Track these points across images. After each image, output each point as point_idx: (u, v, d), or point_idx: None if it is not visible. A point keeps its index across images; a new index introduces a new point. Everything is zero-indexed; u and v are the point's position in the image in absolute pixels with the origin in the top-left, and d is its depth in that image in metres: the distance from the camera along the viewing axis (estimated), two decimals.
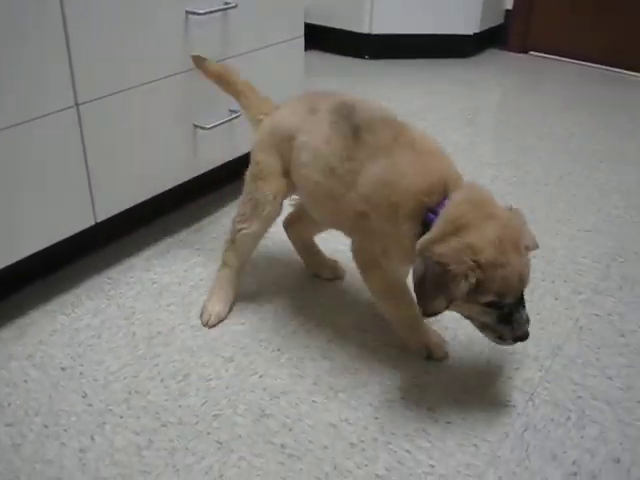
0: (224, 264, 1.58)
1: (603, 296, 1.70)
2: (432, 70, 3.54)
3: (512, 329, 1.21)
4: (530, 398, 1.37)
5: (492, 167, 2.41)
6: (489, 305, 1.18)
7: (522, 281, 1.18)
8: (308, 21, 3.69)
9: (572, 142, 2.64)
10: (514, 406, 1.35)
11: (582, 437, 1.29)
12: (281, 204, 1.52)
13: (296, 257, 1.75)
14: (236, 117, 1.84)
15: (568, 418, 1.33)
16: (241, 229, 1.51)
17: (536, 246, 1.25)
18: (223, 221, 1.95)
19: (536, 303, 1.65)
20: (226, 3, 1.72)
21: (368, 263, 1.39)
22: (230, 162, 1.95)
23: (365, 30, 3.54)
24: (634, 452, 1.26)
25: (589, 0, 3.61)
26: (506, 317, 1.20)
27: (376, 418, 1.31)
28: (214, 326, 1.55)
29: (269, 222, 1.52)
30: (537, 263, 1.79)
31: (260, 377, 1.40)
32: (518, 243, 1.17)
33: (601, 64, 3.68)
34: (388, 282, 1.39)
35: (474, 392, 1.38)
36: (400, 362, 1.45)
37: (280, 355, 1.46)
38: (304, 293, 1.68)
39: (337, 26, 3.64)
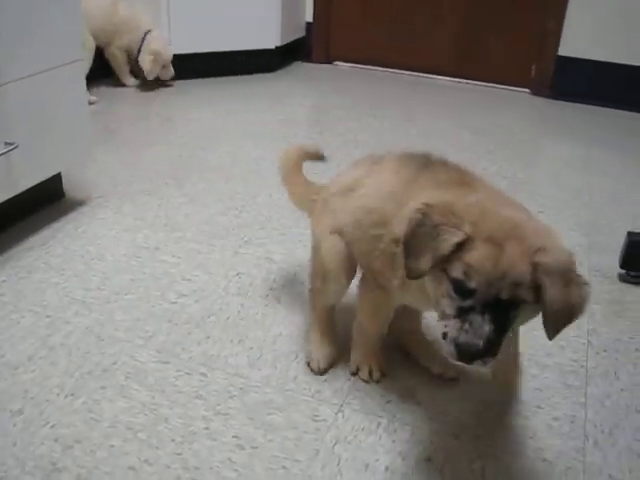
0: (313, 308, 1.52)
1: None
2: (236, 87, 3.51)
3: (459, 329, 1.02)
4: (339, 409, 1.35)
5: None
6: (455, 285, 1.04)
7: (501, 277, 1.00)
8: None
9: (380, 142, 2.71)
10: (323, 420, 1.32)
11: (394, 441, 1.28)
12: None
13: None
14: (12, 149, 1.69)
15: (379, 424, 1.32)
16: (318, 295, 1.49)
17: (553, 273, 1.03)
18: None
19: None
20: None
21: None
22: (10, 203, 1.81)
23: None
24: (445, 449, 1.27)
25: (383, 10, 3.78)
26: (464, 313, 1.02)
27: (178, 454, 1.23)
28: (326, 370, 1.46)
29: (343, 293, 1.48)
30: None
31: (52, 427, 1.27)
32: (527, 246, 1.02)
33: (400, 69, 3.90)
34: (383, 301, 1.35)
35: (281, 411, 1.34)
36: (203, 390, 1.38)
37: (73, 400, 1.34)
38: (102, 330, 1.56)
39: None
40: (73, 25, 1.89)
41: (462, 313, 1.02)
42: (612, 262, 1.90)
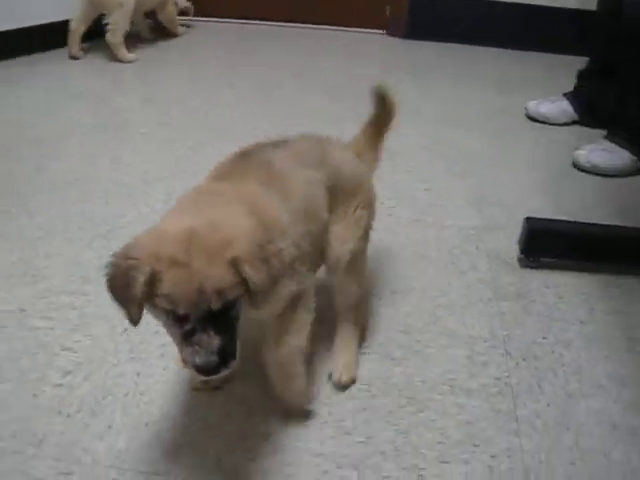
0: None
1: None
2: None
3: (192, 353, 1.02)
4: None
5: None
6: (168, 316, 1.03)
7: (201, 292, 0.99)
8: None
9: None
10: None
11: None
12: None
13: None
14: None
15: None
16: None
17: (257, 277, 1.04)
18: None
19: None
20: None
21: None
22: None
23: None
24: None
25: None
26: (189, 336, 1.02)
27: None
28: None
29: None
30: None
31: None
32: (213, 249, 1.00)
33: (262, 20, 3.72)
34: None
35: None
36: None
37: None
38: None
39: None
40: None
41: (187, 337, 1.03)
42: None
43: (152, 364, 1.48)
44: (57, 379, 1.44)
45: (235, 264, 1.01)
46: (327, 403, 1.40)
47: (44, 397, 1.39)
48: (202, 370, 1.03)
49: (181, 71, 3.34)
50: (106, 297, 1.05)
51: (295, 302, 1.26)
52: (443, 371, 1.48)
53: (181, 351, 1.05)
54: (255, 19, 3.72)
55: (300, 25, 3.65)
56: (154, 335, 1.55)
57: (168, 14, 3.48)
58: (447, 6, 3.29)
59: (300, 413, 1.37)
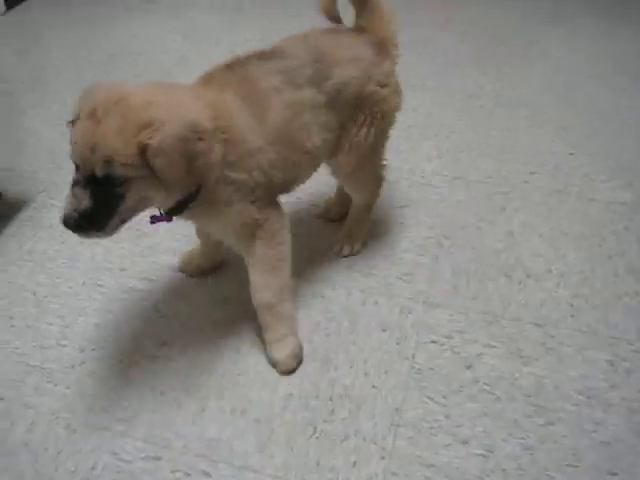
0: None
1: (436, 308, 1.42)
2: None
3: (65, 202, 1.05)
4: None
5: None
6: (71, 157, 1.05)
7: (92, 152, 1.00)
8: None
9: None
10: None
11: None
12: None
13: None
14: None
15: None
16: None
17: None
18: None
19: (361, 341, 1.34)
20: None
21: None
22: None
23: None
24: None
25: None
26: (74, 186, 1.05)
27: None
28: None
29: None
30: (351, 277, 1.47)
31: None
32: (130, 123, 1.00)
33: None
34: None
35: None
36: None
37: None
38: (72, 415, 1.26)
39: None
40: None
41: (73, 186, 1.05)
42: None
43: (253, 340, 1.36)
44: (152, 350, 1.34)
45: (143, 150, 1.00)
46: (443, 404, 1.23)
47: (138, 370, 1.31)
48: (64, 222, 1.04)
49: None
50: None
51: (262, 233, 1.23)
52: (579, 376, 1.28)
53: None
54: None
55: None
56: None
57: None
58: None
59: (287, 372, 1.30)
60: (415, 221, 1.65)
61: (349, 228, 1.56)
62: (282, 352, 1.29)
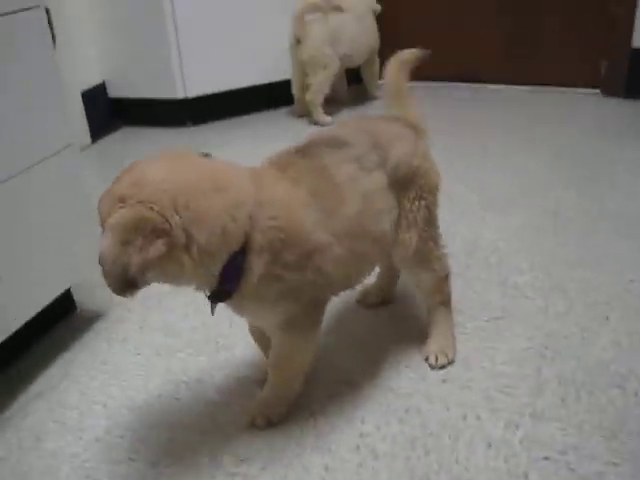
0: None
1: (546, 422, 1.26)
2: (263, 122, 3.13)
3: None
4: None
5: None
6: None
7: (99, 211, 1.06)
8: (113, 95, 3.18)
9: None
10: None
11: None
12: None
13: None
14: None
15: None
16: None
17: None
18: None
19: (464, 459, 1.19)
20: None
21: None
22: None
23: (180, 95, 3.04)
24: None
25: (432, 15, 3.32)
26: None
27: None
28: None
29: None
30: (448, 390, 1.34)
31: None
32: (127, 187, 1.03)
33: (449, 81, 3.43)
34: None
35: None
36: None
37: None
38: None
39: (148, 95, 3.12)
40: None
41: None
42: None
43: (343, 458, 1.22)
44: (231, 467, 1.22)
45: (115, 201, 1.02)
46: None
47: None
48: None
49: None
50: None
51: (292, 329, 1.20)
52: None
53: None
54: (444, 80, 3.47)
55: (501, 85, 3.39)
56: (346, 423, 1.30)
57: (374, 72, 3.29)
58: None
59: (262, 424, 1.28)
60: (512, 333, 1.52)
61: (436, 335, 1.46)
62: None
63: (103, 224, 1.03)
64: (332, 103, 3.19)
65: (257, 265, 1.09)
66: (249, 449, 1.25)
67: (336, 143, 1.26)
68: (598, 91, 3.17)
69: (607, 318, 1.55)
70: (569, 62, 3.20)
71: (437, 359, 1.43)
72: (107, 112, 3.15)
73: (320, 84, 2.97)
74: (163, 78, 3.03)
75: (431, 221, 1.39)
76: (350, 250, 1.21)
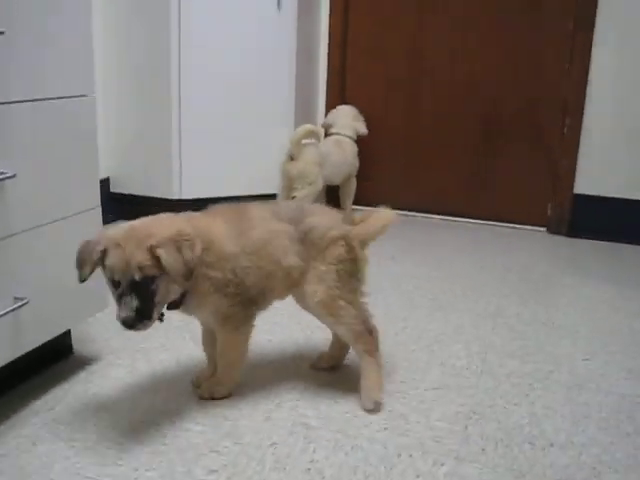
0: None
1: (467, 463, 1.51)
2: None
3: (119, 309, 1.42)
4: None
5: None
6: (109, 282, 1.47)
7: (128, 266, 1.40)
8: (114, 190, 3.50)
9: (398, 288, 2.57)
10: None
11: None
12: None
13: None
14: (23, 305, 1.53)
15: None
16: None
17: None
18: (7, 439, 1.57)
19: None
20: (1, 172, 1.46)
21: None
22: (14, 362, 1.61)
23: (175, 196, 3.38)
24: None
25: (397, 157, 3.77)
26: (120, 298, 1.43)
27: None
28: None
29: None
30: (387, 435, 1.59)
31: None
32: (140, 239, 1.41)
33: (413, 212, 3.81)
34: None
35: None
36: None
37: None
38: None
39: (146, 193, 3.45)
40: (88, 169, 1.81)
41: (119, 298, 1.43)
42: None
43: (296, 477, 1.45)
44: (201, 475, 1.44)
45: (151, 249, 1.40)
46: None
47: None
48: (124, 322, 1.41)
49: None
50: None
51: (227, 323, 1.63)
52: None
53: (116, 309, 1.44)
54: (415, 211, 3.85)
55: (459, 219, 3.78)
56: (301, 452, 1.54)
57: (350, 191, 3.70)
58: (615, 205, 3.32)
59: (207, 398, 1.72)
60: (446, 400, 1.79)
61: (363, 381, 1.74)
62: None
63: (128, 266, 1.41)
64: None
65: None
66: (217, 464, 1.48)
67: (266, 203, 1.75)
68: (545, 229, 3.59)
69: (527, 395, 1.83)
70: (520, 203, 3.64)
71: (367, 404, 1.71)
72: (106, 206, 3.44)
73: (304, 197, 3.35)
74: (162, 178, 3.37)
75: (345, 284, 1.67)
76: (256, 265, 1.61)
